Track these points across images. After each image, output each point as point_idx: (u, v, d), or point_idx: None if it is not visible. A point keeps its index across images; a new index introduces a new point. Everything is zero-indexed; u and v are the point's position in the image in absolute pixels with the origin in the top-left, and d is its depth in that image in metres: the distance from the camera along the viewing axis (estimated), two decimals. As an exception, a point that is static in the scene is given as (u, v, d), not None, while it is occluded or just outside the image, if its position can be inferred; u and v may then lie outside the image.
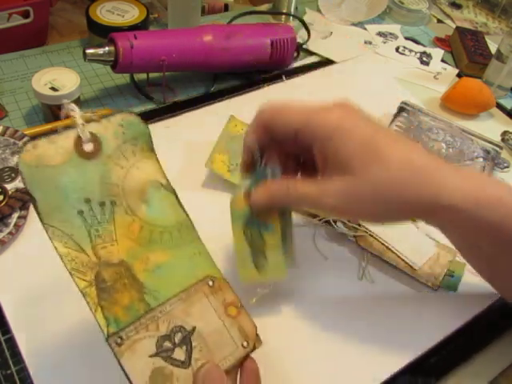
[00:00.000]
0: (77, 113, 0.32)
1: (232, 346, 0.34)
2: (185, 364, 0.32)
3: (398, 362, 0.43)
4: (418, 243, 0.50)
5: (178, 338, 0.32)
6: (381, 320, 0.45)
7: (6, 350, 0.40)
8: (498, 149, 0.62)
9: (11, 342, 0.40)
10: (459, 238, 0.40)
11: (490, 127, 0.69)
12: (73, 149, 0.32)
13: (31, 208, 0.49)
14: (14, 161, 0.52)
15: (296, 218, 0.52)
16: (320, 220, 0.51)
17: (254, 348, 0.35)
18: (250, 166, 0.41)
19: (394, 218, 0.38)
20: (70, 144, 0.32)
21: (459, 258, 0.50)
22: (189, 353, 0.32)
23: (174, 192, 0.35)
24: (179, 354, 0.32)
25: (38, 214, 0.31)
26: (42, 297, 0.43)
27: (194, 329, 0.33)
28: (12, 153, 0.52)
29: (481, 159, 0.61)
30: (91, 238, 0.32)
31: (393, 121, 0.64)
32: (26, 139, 0.53)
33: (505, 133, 0.67)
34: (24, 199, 0.49)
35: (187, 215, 0.36)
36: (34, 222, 0.48)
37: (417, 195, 0.36)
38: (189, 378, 0.32)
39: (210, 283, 0.35)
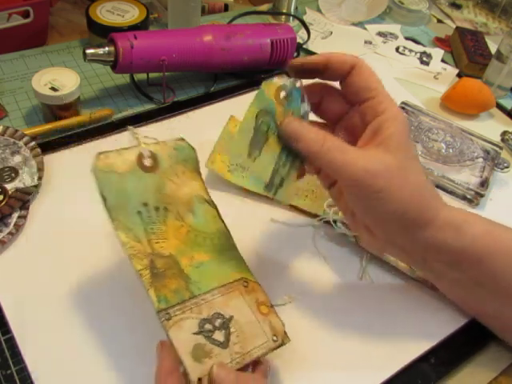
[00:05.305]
0: (140, 136, 0.44)
1: (264, 338, 0.37)
2: (223, 344, 0.36)
3: (397, 362, 0.43)
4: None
5: (217, 322, 0.36)
6: (380, 320, 0.45)
7: (6, 350, 0.40)
8: (497, 149, 0.62)
9: (11, 342, 0.40)
10: (448, 265, 0.41)
11: (490, 127, 0.69)
12: (135, 162, 0.38)
13: (31, 208, 0.49)
14: (13, 160, 0.52)
15: (296, 218, 0.52)
16: (320, 220, 0.51)
17: (283, 343, 0.38)
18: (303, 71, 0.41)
19: (399, 215, 0.38)
20: (133, 158, 0.38)
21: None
22: (227, 336, 0.36)
23: (215, 207, 0.42)
24: (219, 335, 0.36)
25: (107, 209, 0.37)
26: (42, 297, 0.43)
27: (231, 317, 0.37)
28: (12, 152, 0.52)
29: (481, 159, 0.61)
30: (147, 233, 0.37)
31: (393, 121, 0.64)
32: (26, 139, 0.53)
33: (505, 133, 0.67)
34: (24, 199, 0.49)
35: (226, 227, 0.42)
36: (34, 222, 0.48)
37: (428, 200, 0.39)
38: (226, 356, 0.35)
39: (245, 284, 0.39)
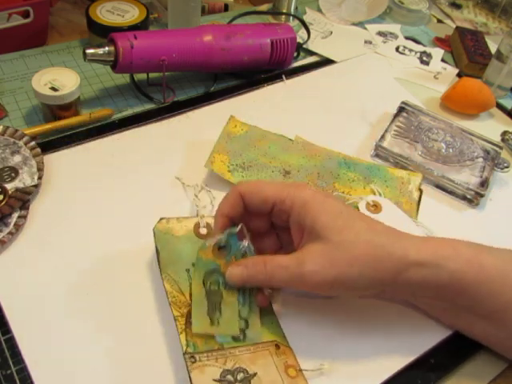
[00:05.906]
0: (199, 209, 0.50)
1: None
2: None
3: (397, 362, 0.43)
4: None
5: (239, 376, 0.38)
6: (380, 320, 0.45)
7: (6, 350, 0.40)
8: (497, 149, 0.62)
9: (11, 342, 0.40)
10: (435, 299, 0.42)
11: (490, 127, 0.69)
12: (192, 229, 0.46)
13: (31, 208, 0.49)
14: (13, 160, 0.52)
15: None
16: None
17: None
18: (223, 229, 0.42)
19: (369, 280, 0.39)
20: (191, 226, 0.46)
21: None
22: None
23: None
24: None
25: (159, 263, 0.43)
26: (42, 297, 0.43)
27: (255, 374, 0.38)
28: (12, 152, 0.52)
29: (481, 159, 0.61)
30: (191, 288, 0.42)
31: (393, 121, 0.64)
32: (26, 139, 0.53)
33: (505, 133, 0.67)
34: (24, 199, 0.49)
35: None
36: (34, 222, 0.48)
37: (388, 253, 0.39)
38: None
39: (277, 346, 0.41)
